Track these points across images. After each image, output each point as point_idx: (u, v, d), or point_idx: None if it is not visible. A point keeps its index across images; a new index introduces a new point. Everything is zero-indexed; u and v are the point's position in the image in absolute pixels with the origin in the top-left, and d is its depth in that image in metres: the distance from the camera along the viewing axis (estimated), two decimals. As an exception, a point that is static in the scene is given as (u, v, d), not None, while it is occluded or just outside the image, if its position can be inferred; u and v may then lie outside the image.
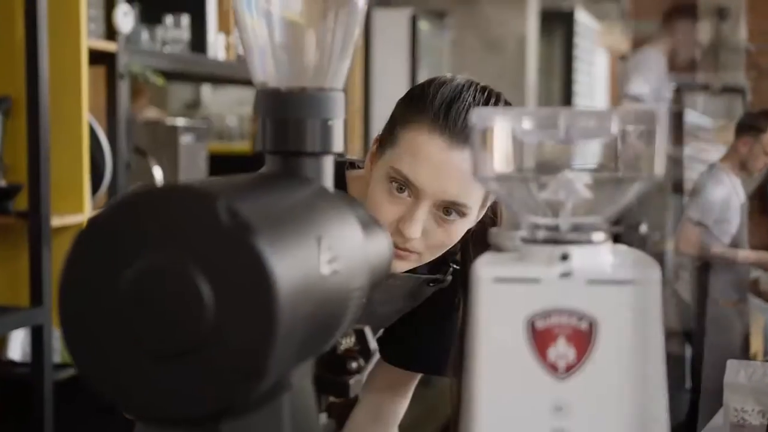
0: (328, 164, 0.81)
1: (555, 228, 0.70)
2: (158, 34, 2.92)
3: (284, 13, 0.81)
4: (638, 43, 9.79)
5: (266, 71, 0.81)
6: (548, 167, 0.72)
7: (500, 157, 0.71)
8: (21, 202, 2.37)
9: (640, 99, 4.28)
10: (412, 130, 1.22)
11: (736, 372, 1.94)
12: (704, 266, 4.38)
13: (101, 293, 0.62)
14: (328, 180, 0.81)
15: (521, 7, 5.39)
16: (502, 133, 0.70)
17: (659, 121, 0.67)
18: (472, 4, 5.28)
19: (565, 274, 0.67)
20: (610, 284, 0.67)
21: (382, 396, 1.55)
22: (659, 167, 0.69)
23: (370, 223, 0.85)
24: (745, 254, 4.51)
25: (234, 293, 0.60)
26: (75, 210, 2.46)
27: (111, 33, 2.62)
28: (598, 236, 0.70)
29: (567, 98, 7.27)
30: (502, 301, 0.68)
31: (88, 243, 0.63)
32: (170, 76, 3.15)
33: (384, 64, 4.70)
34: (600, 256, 0.69)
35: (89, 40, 2.50)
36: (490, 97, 1.29)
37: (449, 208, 1.23)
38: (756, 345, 4.20)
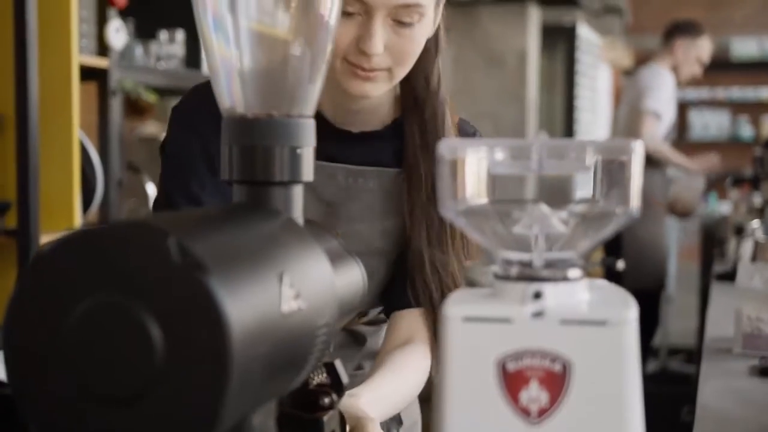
0: (298, 194, 0.78)
1: (528, 264, 0.67)
2: (152, 50, 2.89)
3: (251, 37, 0.78)
4: (640, 57, 9.80)
5: (233, 96, 0.79)
6: (521, 200, 0.69)
7: (470, 190, 0.68)
8: (10, 220, 2.35)
9: (658, 114, 4.30)
10: None
11: (749, 276, 1.80)
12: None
13: (47, 331, 0.59)
14: (297, 210, 0.78)
15: (522, 22, 5.36)
16: (473, 164, 0.67)
17: (635, 154, 0.64)
18: (473, 20, 5.26)
19: (538, 314, 0.64)
20: (585, 325, 0.64)
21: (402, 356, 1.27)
22: (635, 202, 0.66)
23: (340, 255, 0.82)
24: (689, 161, 4.70)
25: (185, 335, 0.57)
26: (65, 228, 2.44)
27: (103, 49, 2.59)
28: (574, 273, 0.67)
29: (569, 113, 7.24)
30: (471, 342, 0.65)
31: (35, 278, 0.60)
32: (166, 91, 3.13)
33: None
34: (575, 293, 0.66)
35: (81, 56, 2.48)
36: None
37: (404, 14, 1.19)
38: None
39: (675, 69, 4.44)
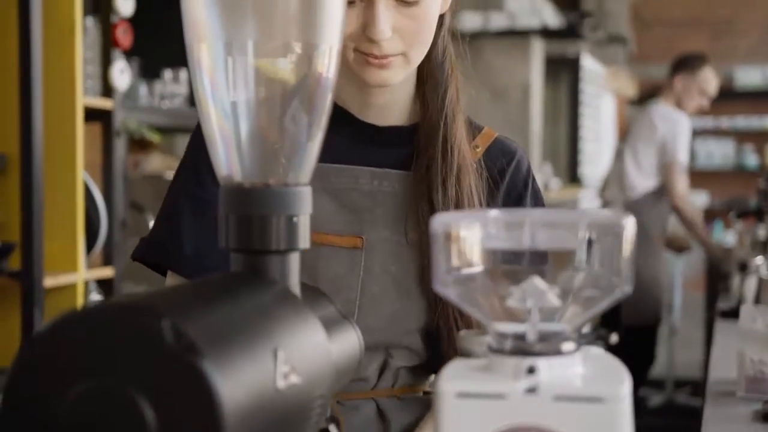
0: (294, 262, 0.79)
1: (522, 337, 0.68)
2: (157, 89, 2.91)
3: (249, 106, 0.79)
4: (645, 86, 9.82)
5: (230, 165, 0.79)
6: (515, 273, 0.69)
7: (464, 263, 0.68)
8: (14, 262, 2.35)
9: (686, 168, 4.35)
10: None
11: (751, 318, 1.78)
12: (641, 200, 4.43)
13: (42, 414, 0.59)
14: (294, 277, 0.79)
15: (526, 56, 5.38)
16: (465, 238, 0.68)
17: (626, 231, 0.65)
18: (477, 53, 5.28)
19: (531, 390, 0.64)
20: (579, 401, 0.64)
21: None
22: (628, 277, 0.66)
23: (335, 320, 0.82)
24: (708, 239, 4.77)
25: (179, 418, 0.57)
26: (69, 269, 2.44)
27: (108, 90, 2.61)
28: (567, 346, 0.67)
29: (573, 144, 7.26)
30: (465, 418, 0.65)
31: (30, 360, 0.60)
32: (170, 129, 3.15)
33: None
34: (569, 368, 0.66)
35: (85, 97, 2.50)
36: None
37: None
38: None
39: (679, 103, 4.45)
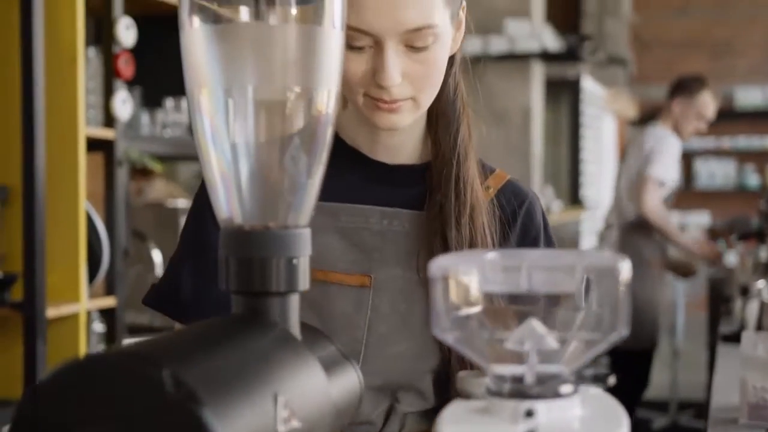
0: (294, 303, 0.79)
1: (520, 379, 0.68)
2: (158, 118, 2.93)
3: (248, 149, 0.79)
4: (645, 107, 9.85)
5: (230, 208, 0.80)
6: (513, 315, 0.70)
7: (461, 307, 0.69)
8: (16, 293, 2.36)
9: (662, 182, 4.32)
10: None
11: (753, 344, 1.77)
12: (635, 225, 4.42)
13: (44, 463, 0.60)
14: (294, 319, 0.79)
15: (526, 79, 5.41)
16: (463, 281, 0.68)
17: (622, 275, 0.65)
18: (477, 76, 5.30)
19: (530, 433, 0.65)
20: (577, 445, 0.64)
21: None
22: (625, 320, 0.67)
23: (336, 361, 0.82)
24: (692, 242, 4.64)
25: (180, 466, 0.57)
26: (71, 299, 2.45)
27: (110, 120, 2.62)
28: (566, 389, 0.67)
29: (574, 165, 7.27)
30: (465, 461, 0.65)
31: (32, 409, 0.61)
32: (172, 158, 3.16)
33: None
34: (567, 410, 0.67)
35: (88, 127, 2.51)
36: None
37: (416, 38, 1.11)
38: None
39: (676, 126, 4.47)
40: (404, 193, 1.24)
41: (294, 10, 0.77)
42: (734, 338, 2.77)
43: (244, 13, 0.83)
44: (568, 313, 0.70)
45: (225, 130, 0.78)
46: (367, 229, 1.22)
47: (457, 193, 1.20)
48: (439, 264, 0.68)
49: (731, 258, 6.30)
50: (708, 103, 4.51)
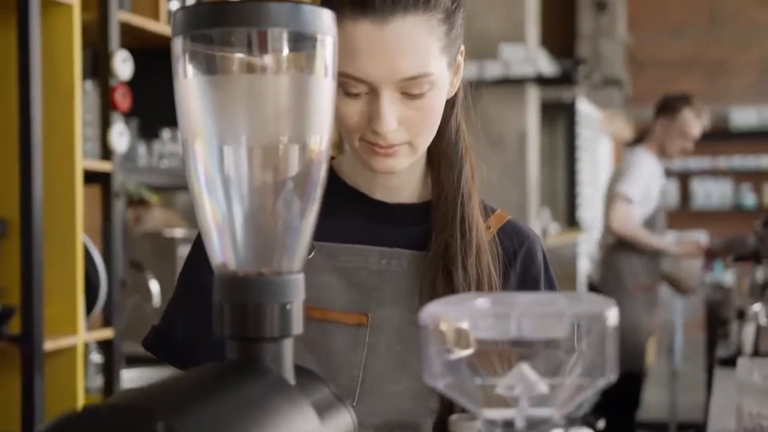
0: (288, 348, 0.80)
1: (511, 423, 0.69)
2: (155, 149, 2.94)
3: (242, 197, 0.80)
4: (641, 128, 9.88)
5: (225, 254, 0.81)
6: (504, 361, 0.71)
7: (453, 353, 0.70)
8: (14, 326, 2.36)
9: (629, 198, 4.31)
10: (339, 27, 1.14)
11: (748, 371, 1.77)
12: (614, 247, 4.38)
13: None
14: (288, 363, 0.80)
15: (522, 103, 5.43)
16: (454, 329, 0.69)
17: (609, 322, 0.67)
18: (473, 101, 5.32)
19: (521, 479, 0.66)
20: (567, 489, 0.65)
21: None
22: (613, 365, 0.68)
23: (330, 404, 0.83)
24: (671, 243, 4.64)
25: None
26: (69, 332, 2.45)
27: (107, 152, 2.64)
28: (556, 433, 0.68)
29: (570, 188, 7.30)
30: (456, 508, 0.66)
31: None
32: (169, 188, 3.18)
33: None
34: (558, 455, 0.68)
35: (85, 160, 2.52)
36: None
37: (412, 86, 1.11)
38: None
39: (662, 147, 4.46)
40: (404, 233, 1.24)
41: (286, 60, 0.79)
42: (731, 362, 2.78)
43: (238, 63, 0.84)
44: (558, 358, 0.71)
45: (219, 178, 0.80)
46: (365, 269, 1.22)
47: (463, 233, 1.20)
48: (430, 311, 0.69)
49: (728, 278, 6.30)
50: (690, 121, 4.47)
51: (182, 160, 2.77)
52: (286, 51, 0.77)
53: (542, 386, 0.69)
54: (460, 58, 1.21)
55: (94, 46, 2.74)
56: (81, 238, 2.47)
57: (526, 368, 0.70)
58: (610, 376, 0.68)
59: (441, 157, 1.24)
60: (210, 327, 1.11)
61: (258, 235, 0.80)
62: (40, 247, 2.35)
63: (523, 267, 1.27)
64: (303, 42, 0.78)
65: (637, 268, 4.43)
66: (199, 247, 1.26)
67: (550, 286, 1.27)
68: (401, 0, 1.09)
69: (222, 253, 0.81)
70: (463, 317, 0.69)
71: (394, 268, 1.22)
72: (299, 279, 0.81)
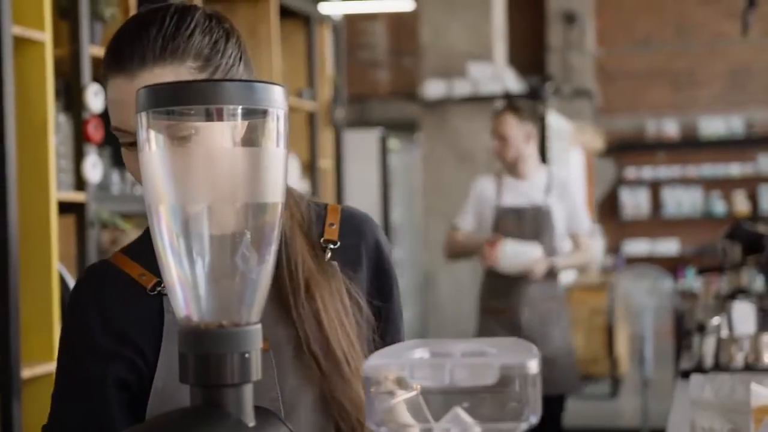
0: (248, 392, 0.88)
1: (448, 463, 0.77)
2: (128, 176, 3.01)
3: (203, 257, 0.88)
4: (612, 138, 10.01)
5: (188, 307, 0.88)
6: (440, 405, 0.79)
7: (393, 401, 0.77)
8: (-9, 355, 2.42)
9: (455, 227, 4.10)
10: (106, 82, 1.18)
11: (701, 387, 1.84)
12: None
13: None
14: (248, 407, 0.88)
15: (490, 119, 5.52)
16: (393, 379, 0.77)
17: (532, 370, 0.74)
18: (443, 118, 5.41)
19: None
20: None
21: None
22: (535, 409, 0.76)
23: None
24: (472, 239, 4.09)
25: None
26: (45, 359, 2.51)
27: (80, 183, 2.70)
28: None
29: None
30: None
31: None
32: (143, 215, 3.24)
33: (356, 182, 4.80)
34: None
35: (59, 192, 2.58)
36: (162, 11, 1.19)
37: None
38: None
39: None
40: None
41: (241, 132, 0.86)
42: (691, 374, 2.86)
43: (196, 136, 0.92)
44: (489, 403, 0.78)
45: (181, 238, 0.87)
46: None
47: (290, 273, 1.24)
48: (370, 364, 0.77)
49: (698, 285, 6.42)
50: (495, 122, 4.13)
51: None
52: (240, 124, 0.85)
53: (476, 429, 0.77)
54: None
55: (66, 79, 2.81)
56: (56, 267, 2.53)
57: (460, 411, 0.77)
58: (532, 419, 0.76)
59: None
60: (105, 418, 1.15)
61: (218, 289, 0.88)
62: (16, 277, 2.41)
63: (375, 257, 1.32)
64: (256, 116, 0.86)
65: (489, 287, 4.16)
66: (74, 334, 1.24)
67: (391, 273, 1.33)
68: (148, 53, 1.16)
69: (185, 307, 0.88)
70: (401, 369, 0.77)
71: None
72: (257, 329, 0.88)
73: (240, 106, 0.85)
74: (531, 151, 3.99)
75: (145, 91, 0.86)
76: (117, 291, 1.24)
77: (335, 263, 1.27)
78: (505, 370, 0.76)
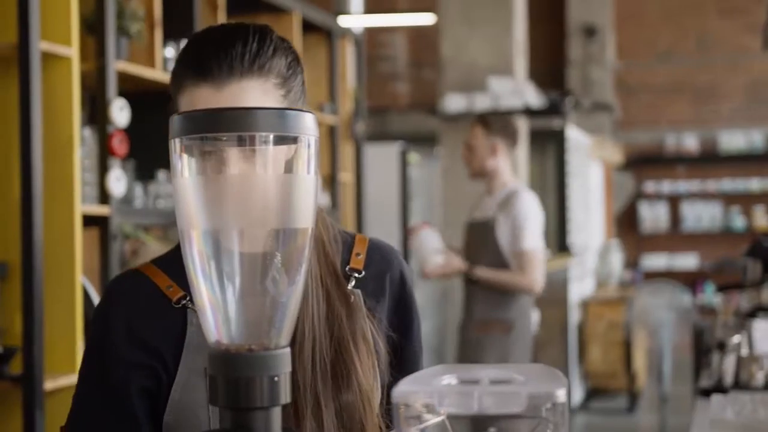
0: (276, 416, 0.89)
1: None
2: (152, 190, 3.03)
3: (234, 283, 0.89)
4: (631, 152, 9.99)
5: (218, 332, 0.90)
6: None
7: (418, 427, 0.78)
8: (15, 366, 2.44)
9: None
10: (184, 92, 1.19)
11: (722, 408, 1.84)
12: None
13: None
14: (276, 429, 0.89)
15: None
16: (422, 406, 0.78)
17: (560, 399, 0.75)
18: (462, 132, 5.42)
19: None
20: None
21: None
22: (563, 436, 0.77)
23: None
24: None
25: None
26: (68, 371, 2.53)
27: (104, 197, 2.73)
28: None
29: (561, 213, 7.38)
30: None
31: None
32: (166, 227, 3.27)
33: (376, 196, 4.81)
34: None
35: (83, 205, 2.61)
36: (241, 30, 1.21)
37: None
38: None
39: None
40: None
41: (273, 159, 0.88)
42: (712, 392, 2.85)
43: (229, 163, 0.94)
44: (516, 429, 0.79)
45: (213, 263, 0.89)
46: None
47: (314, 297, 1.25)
48: (400, 390, 0.78)
49: (717, 300, 6.39)
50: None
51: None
52: (272, 152, 0.87)
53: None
54: None
55: (92, 93, 2.84)
56: (80, 280, 2.56)
57: (489, 438, 0.78)
58: (560, 447, 0.77)
59: None
60: (129, 423, 1.16)
61: (248, 313, 0.89)
62: (40, 290, 2.44)
63: (398, 290, 1.33)
64: (288, 143, 0.88)
65: (479, 304, 3.99)
66: (99, 342, 1.25)
67: (413, 307, 1.34)
68: (236, 66, 1.18)
69: (216, 331, 0.90)
70: (430, 396, 0.78)
71: None
72: (286, 353, 0.89)
73: (272, 134, 0.86)
74: (499, 165, 3.94)
75: (179, 117, 0.87)
76: (144, 301, 1.26)
77: (358, 291, 1.28)
78: (533, 398, 0.77)
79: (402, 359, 1.31)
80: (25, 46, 2.41)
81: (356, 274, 1.30)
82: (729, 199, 10.18)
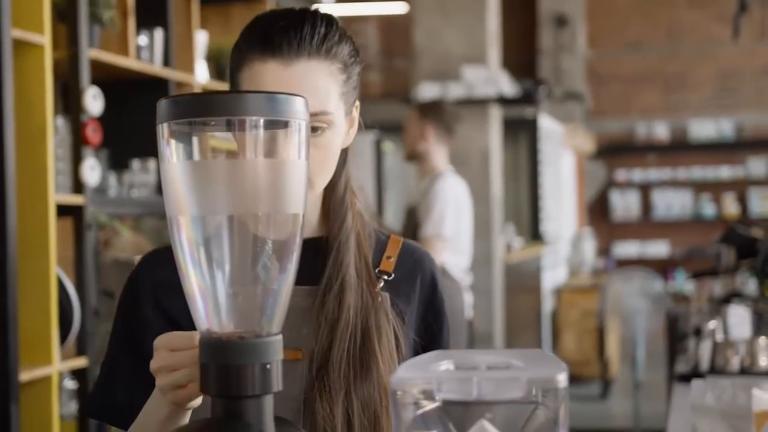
0: (268, 403, 0.88)
1: (472, 476, 0.77)
2: (126, 179, 3.00)
3: (223, 269, 0.88)
4: (602, 140, 10.03)
5: (209, 320, 0.88)
6: (466, 418, 0.78)
7: (419, 412, 0.77)
8: (-11, 358, 2.41)
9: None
10: (247, 67, 1.20)
11: (702, 392, 1.84)
12: None
13: None
14: (268, 418, 0.87)
15: (484, 122, 5.53)
16: (420, 392, 0.77)
17: (561, 384, 0.74)
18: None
19: None
20: None
21: None
22: (564, 423, 0.76)
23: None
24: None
25: None
26: (43, 362, 2.50)
27: (78, 186, 2.69)
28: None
29: (534, 201, 7.41)
30: None
31: None
32: (140, 217, 3.24)
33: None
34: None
35: (57, 194, 2.57)
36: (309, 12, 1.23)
37: (313, 121, 1.15)
38: None
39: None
40: (302, 268, 1.25)
41: (262, 144, 0.86)
42: (689, 378, 2.87)
43: (217, 148, 0.92)
44: (515, 415, 0.78)
45: (202, 250, 0.87)
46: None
47: (333, 275, 1.25)
48: (398, 377, 0.77)
49: (689, 288, 6.43)
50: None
51: (152, 191, 2.82)
52: (262, 137, 0.85)
53: (500, 441, 0.77)
54: (356, 113, 1.29)
55: (65, 81, 2.80)
56: (54, 270, 2.52)
57: (486, 424, 0.77)
58: (561, 432, 0.76)
59: (331, 207, 1.29)
60: (149, 388, 1.15)
61: (239, 300, 0.88)
62: (14, 280, 2.40)
63: (429, 294, 1.33)
64: (277, 128, 0.86)
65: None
66: (128, 305, 1.27)
67: (444, 311, 1.34)
68: (305, 45, 1.18)
69: (207, 319, 0.88)
70: (429, 382, 0.77)
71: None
72: (278, 340, 0.88)
73: (262, 118, 0.84)
74: (429, 150, 3.97)
75: (166, 102, 0.85)
76: (170, 274, 1.22)
77: (386, 294, 1.28)
78: (532, 383, 0.76)
79: None
80: (-4, 34, 2.37)
81: (385, 277, 1.29)
82: (699, 187, 10.25)
